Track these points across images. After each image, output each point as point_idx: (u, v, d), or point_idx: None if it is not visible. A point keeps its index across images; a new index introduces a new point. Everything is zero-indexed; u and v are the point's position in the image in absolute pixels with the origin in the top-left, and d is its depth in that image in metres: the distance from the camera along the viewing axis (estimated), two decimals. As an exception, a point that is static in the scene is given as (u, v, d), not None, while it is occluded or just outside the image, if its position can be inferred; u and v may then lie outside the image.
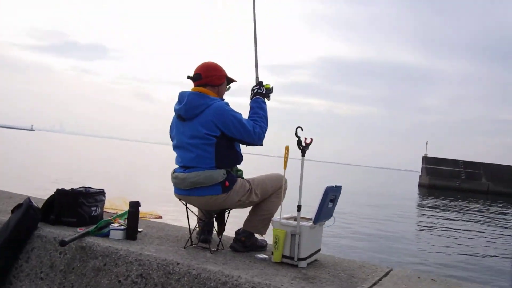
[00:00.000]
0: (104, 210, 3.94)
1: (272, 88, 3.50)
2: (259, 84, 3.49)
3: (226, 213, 3.42)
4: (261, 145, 3.37)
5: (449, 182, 46.68)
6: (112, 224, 3.31)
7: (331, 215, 3.32)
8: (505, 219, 18.89)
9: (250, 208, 3.45)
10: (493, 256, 9.65)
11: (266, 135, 3.44)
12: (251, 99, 3.46)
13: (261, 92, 3.45)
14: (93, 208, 3.61)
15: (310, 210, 3.11)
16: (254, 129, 3.24)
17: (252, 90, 3.48)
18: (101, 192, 3.78)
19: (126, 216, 3.40)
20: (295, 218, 3.10)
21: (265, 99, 3.46)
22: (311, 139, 3.16)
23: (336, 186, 3.21)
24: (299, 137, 3.11)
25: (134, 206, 3.30)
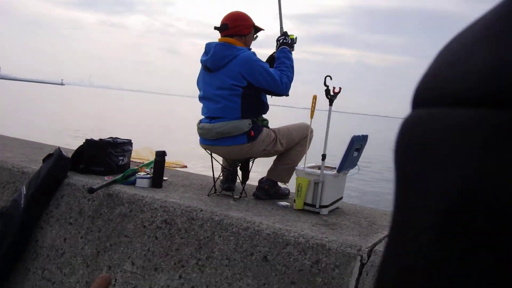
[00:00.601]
0: (131, 159, 4.00)
1: (296, 38, 3.46)
2: (284, 34, 3.45)
3: (251, 162, 3.43)
4: (287, 95, 3.35)
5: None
6: (139, 173, 3.36)
7: (356, 164, 3.30)
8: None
9: (274, 157, 3.46)
10: None
11: (293, 86, 3.41)
12: (277, 49, 3.41)
13: (286, 42, 3.40)
14: (120, 158, 3.67)
15: (335, 159, 3.10)
16: (281, 79, 3.21)
17: (277, 40, 3.45)
18: (129, 142, 3.83)
19: (152, 166, 3.45)
20: (319, 167, 3.09)
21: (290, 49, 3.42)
22: (340, 88, 3.11)
23: (362, 135, 3.17)
24: (327, 86, 3.07)
25: (160, 155, 3.34)
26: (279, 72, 3.24)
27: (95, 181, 3.21)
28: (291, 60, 3.36)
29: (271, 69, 3.21)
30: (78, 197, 3.18)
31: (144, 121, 26.89)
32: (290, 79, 3.28)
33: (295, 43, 3.47)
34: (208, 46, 3.27)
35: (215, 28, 3.32)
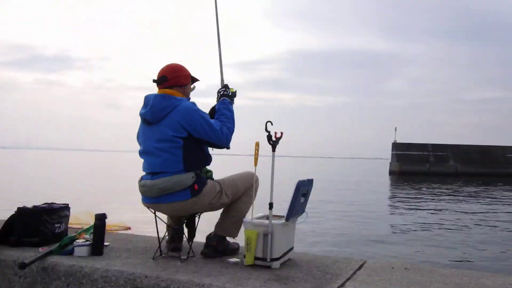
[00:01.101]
0: (70, 225, 3.77)
1: (236, 92, 3.45)
2: (225, 86, 3.44)
3: (197, 218, 3.29)
4: (228, 147, 3.26)
5: (418, 166, 47.49)
6: (77, 240, 3.15)
7: (303, 211, 3.24)
8: (476, 200, 19.32)
9: (221, 210, 3.34)
10: (465, 241, 9.79)
11: (237, 134, 3.36)
12: (217, 101, 3.38)
13: (227, 94, 3.38)
14: (56, 225, 3.44)
15: (283, 207, 3.02)
16: (222, 129, 3.14)
17: (218, 92, 3.43)
18: (65, 207, 3.62)
19: (92, 231, 3.23)
20: (267, 217, 3.01)
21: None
22: (281, 133, 3.08)
23: (308, 180, 3.13)
24: (269, 132, 3.03)
25: (100, 218, 3.15)
26: (219, 123, 3.18)
27: (28, 254, 2.97)
28: (231, 111, 3.31)
29: (211, 120, 3.14)
30: (8, 274, 2.92)
31: (84, 182, 26.01)
32: (230, 130, 3.21)
33: (235, 96, 3.45)
34: (147, 98, 3.18)
35: (154, 81, 3.25)
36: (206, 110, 3.33)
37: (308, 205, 3.27)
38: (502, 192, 23.36)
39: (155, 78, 3.26)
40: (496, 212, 14.42)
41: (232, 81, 3.56)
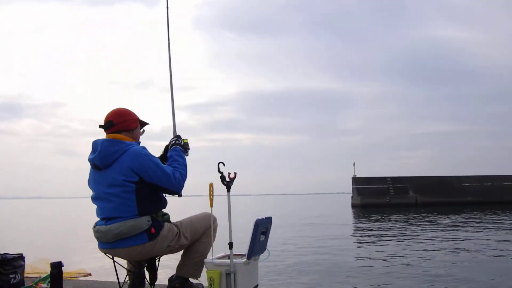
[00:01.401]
0: (26, 275, 3.66)
1: (187, 143, 3.44)
2: (177, 136, 3.43)
3: (157, 261, 3.27)
4: (180, 194, 3.22)
5: (379, 199, 48.27)
6: (34, 290, 3.06)
7: (265, 248, 3.27)
8: (435, 229, 19.71)
9: (181, 252, 3.32)
10: (432, 267, 9.95)
11: (193, 176, 3.36)
12: (169, 149, 3.37)
13: (179, 143, 3.37)
14: (11, 276, 3.35)
15: (244, 245, 3.05)
16: (174, 174, 3.10)
17: (170, 141, 3.41)
18: (19, 257, 3.52)
19: (49, 280, 3.16)
20: (228, 256, 3.02)
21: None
22: (235, 173, 3.12)
23: (266, 217, 3.18)
24: (221, 173, 3.07)
25: (56, 267, 3.10)
26: (171, 168, 3.17)
27: (-17, 308, 2.85)
28: (184, 158, 3.29)
29: (163, 165, 3.13)
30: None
31: (41, 230, 25.06)
32: (183, 176, 3.18)
33: (188, 147, 3.44)
34: (95, 143, 3.13)
35: (100, 126, 3.19)
36: (159, 152, 3.34)
37: (270, 242, 3.30)
38: (463, 220, 23.99)
39: (102, 124, 3.24)
40: (458, 239, 14.76)
41: (186, 124, 3.61)
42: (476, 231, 17.58)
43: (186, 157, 3.37)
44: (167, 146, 3.41)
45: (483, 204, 43.56)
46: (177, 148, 3.33)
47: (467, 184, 50.35)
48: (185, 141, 3.42)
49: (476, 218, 25.35)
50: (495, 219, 24.21)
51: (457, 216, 27.92)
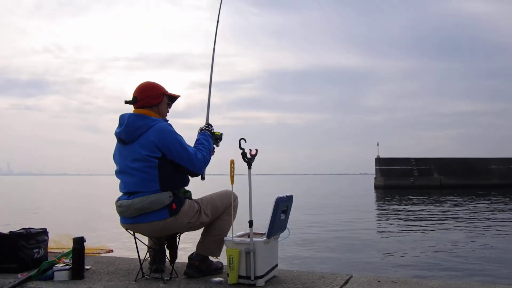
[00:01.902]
0: (49, 250, 3.71)
1: (221, 135, 3.42)
2: (209, 125, 3.42)
3: (177, 238, 3.27)
4: (201, 175, 3.22)
5: (403, 180, 47.82)
6: (56, 265, 3.10)
7: (285, 227, 3.24)
8: (459, 213, 19.46)
9: (201, 230, 3.32)
10: (452, 252, 9.84)
11: (215, 154, 3.34)
12: (198, 133, 3.36)
13: (209, 130, 3.36)
14: (35, 250, 3.39)
15: (264, 224, 3.02)
16: (196, 154, 3.10)
17: (201, 127, 3.40)
18: (43, 232, 3.56)
19: (72, 255, 3.19)
20: (248, 235, 3.00)
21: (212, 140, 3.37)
22: (256, 150, 3.08)
23: (287, 196, 3.13)
24: (243, 149, 3.03)
25: (78, 242, 3.11)
26: (195, 148, 3.17)
27: (7, 281, 2.92)
28: (210, 143, 3.28)
29: (187, 144, 3.12)
30: (-15, 302, 2.84)
31: (66, 206, 25.61)
32: (205, 158, 3.17)
33: (221, 139, 3.42)
34: (122, 118, 3.15)
35: (126, 102, 3.20)
36: (189, 130, 3.32)
37: (290, 221, 3.27)
38: (487, 204, 23.61)
39: (129, 99, 3.24)
40: (483, 226, 14.55)
41: (210, 102, 3.56)
42: (497, 215, 17.29)
43: (216, 147, 3.37)
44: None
45: (509, 187, 42.76)
46: (206, 133, 3.33)
47: (493, 167, 49.40)
48: (217, 133, 3.41)
49: (499, 203, 24.93)
50: (521, 202, 23.77)
51: (481, 200, 27.48)
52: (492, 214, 17.74)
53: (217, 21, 3.87)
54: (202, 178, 3.26)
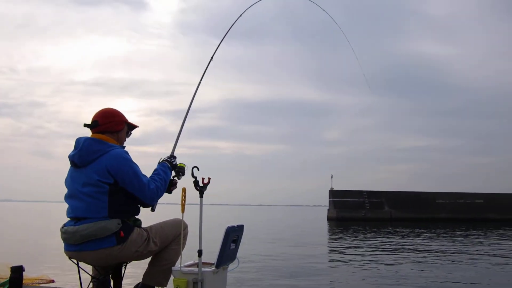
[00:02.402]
0: (-14, 280, 3.51)
1: (185, 167, 3.38)
2: (173, 156, 3.39)
3: (123, 267, 3.16)
4: (152, 208, 3.17)
5: (355, 213, 48.51)
6: (-9, 295, 2.92)
7: (235, 257, 3.19)
8: (408, 244, 19.87)
9: (149, 259, 3.22)
10: (401, 280, 9.98)
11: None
12: (158, 163, 3.31)
13: (170, 162, 3.32)
14: (-31, 279, 3.19)
15: (214, 254, 2.97)
16: (149, 185, 3.05)
17: (161, 159, 3.36)
18: (-21, 261, 3.37)
19: (8, 285, 3.02)
20: (197, 265, 2.94)
21: (174, 172, 3.32)
22: (209, 179, 3.06)
23: (238, 225, 3.11)
24: (195, 177, 3.00)
25: (16, 271, 2.98)
26: (149, 178, 3.10)
27: None
28: (167, 175, 3.22)
29: (141, 173, 3.05)
30: None
31: (8, 233, 24.46)
32: (158, 189, 3.10)
33: (183, 173, 3.35)
34: (78, 141, 3.08)
35: (85, 125, 3.15)
36: (144, 158, 3.26)
37: (241, 251, 3.23)
38: (433, 236, 24.25)
39: (89, 123, 3.18)
40: (431, 257, 14.88)
41: (167, 129, 3.56)
42: (444, 248, 17.78)
43: (178, 180, 3.32)
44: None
45: (456, 221, 44.18)
46: (165, 164, 3.30)
47: (440, 201, 51.01)
48: (181, 165, 3.36)
49: (446, 235, 25.68)
50: (463, 237, 24.55)
51: (428, 233, 28.23)
52: (441, 245, 18.22)
53: (200, 80, 3.97)
54: (152, 210, 3.20)
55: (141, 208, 3.18)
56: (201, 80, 3.95)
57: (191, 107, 3.84)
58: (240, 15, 4.49)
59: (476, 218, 46.75)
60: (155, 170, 3.24)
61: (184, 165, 3.37)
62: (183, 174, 3.37)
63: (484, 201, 50.96)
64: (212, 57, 4.14)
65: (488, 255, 14.67)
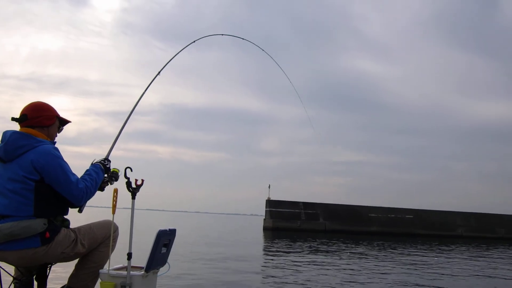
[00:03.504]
0: None
1: (118, 174, 3.31)
2: (107, 160, 3.32)
3: (48, 269, 3.06)
4: (80, 209, 3.08)
5: (291, 223, 49.23)
6: None
7: (165, 262, 3.17)
8: (340, 254, 20.36)
9: (76, 261, 3.14)
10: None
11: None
12: (91, 164, 3.23)
13: (104, 164, 3.24)
14: None
15: (145, 257, 2.93)
16: (78, 184, 2.96)
17: (94, 160, 3.29)
18: None
19: None
20: (126, 268, 2.89)
21: (106, 176, 3.25)
22: (142, 180, 3.03)
23: (169, 229, 3.09)
24: (128, 178, 2.96)
25: None
26: (78, 178, 3.01)
27: None
28: (99, 176, 3.14)
29: (70, 171, 2.96)
30: None
31: None
32: (88, 189, 3.02)
33: (116, 178, 3.28)
34: (4, 134, 2.97)
35: (13, 119, 3.03)
36: (79, 158, 3.18)
37: (172, 255, 3.20)
38: (365, 248, 24.97)
39: (17, 116, 3.07)
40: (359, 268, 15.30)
41: (104, 131, 3.49)
42: (374, 260, 18.36)
43: (110, 185, 3.25)
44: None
45: (387, 235, 45.80)
46: (98, 165, 3.23)
47: (373, 214, 52.74)
48: (114, 170, 3.28)
49: (378, 248, 26.54)
50: (391, 249, 25.48)
51: (360, 244, 29.07)
52: (369, 258, 18.80)
53: (144, 91, 3.95)
54: (80, 211, 3.11)
55: (68, 210, 3.09)
56: (144, 91, 3.92)
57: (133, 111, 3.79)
58: (172, 58, 4.48)
59: (405, 232, 48.77)
60: (87, 170, 3.16)
61: (118, 170, 3.31)
62: (116, 180, 3.30)
63: (413, 216, 53.19)
64: (159, 72, 4.13)
65: (415, 264, 15.29)
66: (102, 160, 3.30)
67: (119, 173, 3.31)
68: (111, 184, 3.30)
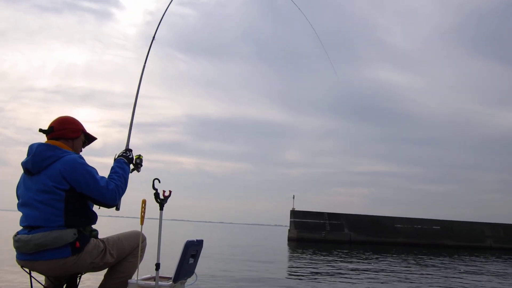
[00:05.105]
0: None
1: (141, 158, 3.35)
2: (127, 150, 3.35)
3: (78, 279, 3.09)
4: (115, 206, 3.11)
5: (315, 234, 48.85)
6: None
7: (193, 272, 3.18)
8: (368, 266, 20.08)
9: (105, 271, 3.17)
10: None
11: (129, 195, 3.24)
12: (114, 160, 3.27)
13: (126, 156, 3.28)
14: None
15: (172, 268, 2.94)
16: (108, 185, 3.00)
17: (116, 155, 3.32)
18: None
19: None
20: (154, 278, 2.91)
21: (132, 166, 3.30)
22: (170, 192, 3.05)
23: (197, 240, 3.10)
24: (156, 189, 2.98)
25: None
26: (107, 179, 3.06)
27: None
28: (125, 171, 3.18)
29: (98, 175, 3.01)
30: None
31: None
32: (119, 188, 3.06)
33: (141, 164, 3.32)
34: (31, 147, 3.03)
35: (40, 130, 3.11)
36: (104, 169, 3.22)
37: (199, 266, 3.21)
38: (394, 259, 24.59)
39: (44, 128, 3.14)
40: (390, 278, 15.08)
41: (130, 142, 3.50)
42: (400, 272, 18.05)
43: (137, 172, 3.29)
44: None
45: (413, 246, 45.02)
46: (121, 160, 3.26)
47: (399, 225, 51.94)
48: (137, 156, 3.33)
49: (403, 259, 26.10)
50: (418, 259, 25.01)
51: (386, 256, 28.62)
52: (399, 268, 18.49)
53: (144, 63, 3.92)
54: (117, 209, 3.15)
55: (97, 219, 3.13)
56: (144, 65, 3.90)
57: (135, 111, 3.75)
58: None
59: (432, 244, 47.84)
60: (112, 168, 3.20)
61: (139, 155, 3.34)
62: (141, 165, 3.34)
63: (440, 227, 52.19)
64: (154, 37, 4.12)
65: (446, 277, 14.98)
66: (123, 152, 3.33)
67: (141, 159, 3.33)
68: (138, 171, 3.33)
